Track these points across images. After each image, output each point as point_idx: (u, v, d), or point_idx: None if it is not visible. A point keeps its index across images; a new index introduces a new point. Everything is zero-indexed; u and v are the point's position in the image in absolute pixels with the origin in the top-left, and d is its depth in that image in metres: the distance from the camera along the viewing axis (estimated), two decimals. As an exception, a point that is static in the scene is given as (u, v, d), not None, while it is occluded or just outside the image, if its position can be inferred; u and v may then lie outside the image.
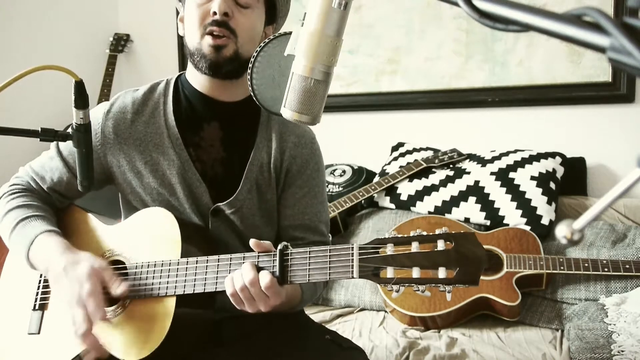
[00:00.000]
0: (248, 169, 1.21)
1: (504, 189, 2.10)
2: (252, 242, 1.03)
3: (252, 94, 0.78)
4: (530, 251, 1.87)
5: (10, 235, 1.18)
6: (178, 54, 2.96)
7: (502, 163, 2.18)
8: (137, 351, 1.05)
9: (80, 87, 0.98)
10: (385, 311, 1.95)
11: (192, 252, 1.11)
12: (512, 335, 1.73)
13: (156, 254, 1.11)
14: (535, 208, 2.03)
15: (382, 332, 1.79)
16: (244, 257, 1.04)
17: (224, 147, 1.23)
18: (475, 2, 0.46)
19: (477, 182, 2.15)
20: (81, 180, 1.05)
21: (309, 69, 0.69)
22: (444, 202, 2.16)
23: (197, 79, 1.22)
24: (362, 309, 2.01)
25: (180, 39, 2.86)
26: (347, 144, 2.62)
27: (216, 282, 1.04)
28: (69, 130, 1.02)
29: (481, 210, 2.09)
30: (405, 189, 2.25)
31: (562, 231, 0.43)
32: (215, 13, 1.12)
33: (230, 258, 1.05)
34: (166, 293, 1.07)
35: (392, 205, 2.26)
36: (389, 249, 0.93)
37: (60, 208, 1.29)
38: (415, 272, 0.90)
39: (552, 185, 2.10)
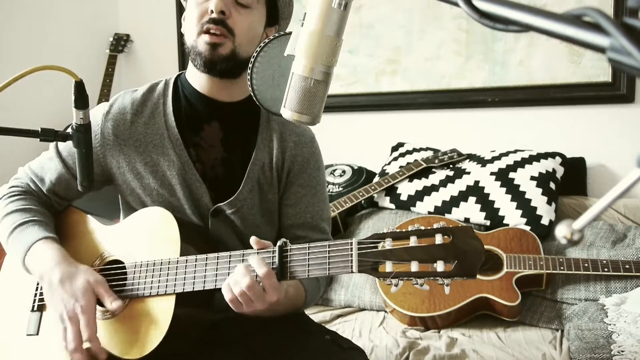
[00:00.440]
0: (250, 169, 1.21)
1: (504, 189, 2.10)
2: (252, 239, 1.03)
3: (252, 94, 0.78)
4: (530, 251, 1.87)
5: (8, 240, 1.18)
6: (178, 54, 2.96)
7: (502, 163, 2.18)
8: (136, 350, 1.05)
9: (80, 87, 0.98)
10: (385, 311, 1.95)
11: (191, 251, 1.11)
12: (512, 335, 1.73)
13: (155, 254, 1.11)
14: (535, 208, 2.03)
15: (382, 332, 1.79)
16: (243, 254, 1.04)
17: (225, 147, 1.23)
18: (475, 3, 0.46)
19: (477, 182, 2.15)
20: (81, 181, 1.05)
21: (309, 69, 0.69)
22: (443, 202, 2.16)
23: (197, 79, 1.22)
24: (362, 309, 2.01)
25: (180, 39, 2.87)
26: (347, 144, 2.62)
27: (215, 280, 1.05)
28: (69, 130, 1.02)
29: (481, 210, 2.09)
30: (405, 189, 2.25)
31: (561, 231, 0.43)
32: (212, 11, 1.12)
33: (230, 255, 1.05)
34: (165, 291, 1.07)
35: (392, 206, 2.26)
36: (388, 244, 0.93)
37: (59, 211, 1.29)
38: (414, 266, 0.91)
39: (552, 185, 2.10)
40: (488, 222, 2.08)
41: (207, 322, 1.15)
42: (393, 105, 2.62)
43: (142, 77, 2.97)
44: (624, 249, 1.87)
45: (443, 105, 2.55)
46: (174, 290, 1.07)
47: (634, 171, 0.40)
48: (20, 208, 1.20)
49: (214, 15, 1.12)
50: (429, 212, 2.18)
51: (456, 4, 0.47)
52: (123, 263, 1.15)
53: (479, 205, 2.10)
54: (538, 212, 2.03)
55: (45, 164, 1.26)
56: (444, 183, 2.20)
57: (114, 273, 1.14)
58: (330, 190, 2.39)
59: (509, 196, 2.08)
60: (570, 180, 2.22)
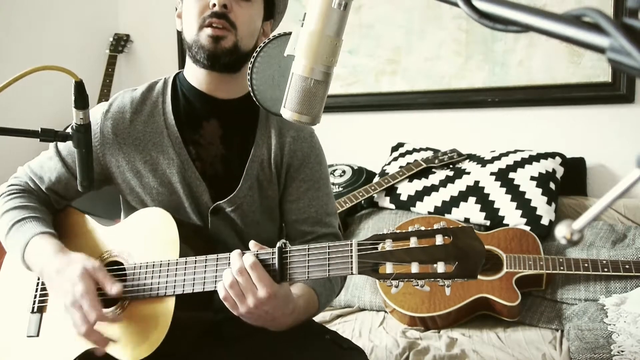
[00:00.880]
0: (249, 166, 1.21)
1: (504, 189, 2.10)
2: (251, 243, 1.03)
3: (252, 94, 0.78)
4: (530, 251, 1.87)
5: (7, 237, 1.18)
6: (178, 54, 2.96)
7: (502, 163, 2.18)
8: (137, 352, 1.05)
9: (80, 88, 0.98)
10: (385, 311, 1.95)
11: (191, 251, 1.10)
12: (512, 335, 1.73)
13: (154, 255, 1.11)
14: (535, 208, 2.03)
15: (382, 333, 1.79)
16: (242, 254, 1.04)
17: (224, 144, 1.23)
18: (474, 3, 0.46)
19: (477, 183, 2.15)
20: (81, 181, 1.05)
21: (308, 69, 0.69)
22: (443, 202, 2.16)
23: (195, 75, 1.22)
24: (362, 309, 2.01)
25: (180, 40, 2.86)
26: (347, 144, 2.62)
27: (215, 281, 1.04)
28: (69, 130, 1.02)
29: (481, 210, 2.09)
30: (405, 189, 2.25)
31: (561, 231, 0.43)
32: (214, 5, 1.12)
33: (229, 256, 1.05)
34: (165, 293, 1.07)
35: (392, 206, 2.26)
36: (388, 245, 0.93)
37: (58, 209, 1.29)
38: (414, 267, 0.90)
39: (552, 185, 2.10)
40: (488, 222, 2.08)
41: (207, 322, 1.15)
42: (393, 106, 2.62)
43: (142, 77, 2.96)
44: (623, 249, 1.87)
45: (443, 106, 2.55)
46: (174, 292, 1.06)
47: (633, 171, 0.40)
48: (18, 205, 1.20)
49: (217, 9, 1.13)
50: (429, 212, 2.18)
51: (456, 4, 0.47)
52: (122, 264, 1.15)
53: (478, 206, 2.10)
54: (538, 212, 2.03)
55: (45, 163, 1.26)
56: (444, 183, 2.20)
57: (113, 274, 1.14)
58: (330, 190, 2.38)
59: (509, 196, 2.08)
60: (570, 181, 2.22)
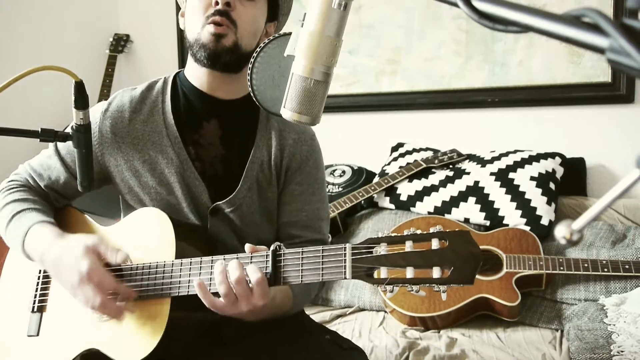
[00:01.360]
0: (248, 167, 1.21)
1: (504, 190, 2.10)
2: (247, 246, 1.02)
3: (252, 94, 0.77)
4: (530, 251, 1.87)
5: (7, 229, 1.18)
6: (178, 55, 2.96)
7: (502, 163, 2.18)
8: (133, 354, 1.04)
9: (80, 88, 0.98)
10: (385, 311, 1.95)
11: (188, 252, 1.10)
12: (512, 335, 1.73)
13: (151, 255, 1.10)
14: (535, 208, 2.04)
15: (382, 333, 1.79)
16: (237, 257, 1.03)
17: (224, 145, 1.23)
18: (474, 3, 0.46)
19: (476, 183, 2.15)
20: (81, 181, 1.05)
21: (308, 69, 0.69)
22: (443, 202, 2.16)
23: (196, 75, 1.22)
24: (362, 309, 2.01)
25: (181, 40, 2.87)
26: (347, 144, 2.62)
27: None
28: (69, 130, 1.02)
29: (481, 210, 2.09)
30: (405, 190, 2.25)
31: (561, 231, 0.43)
32: (217, 3, 1.13)
33: (224, 258, 1.03)
34: (161, 294, 1.06)
35: (392, 206, 2.26)
36: (383, 249, 0.92)
37: (57, 207, 1.29)
38: (409, 272, 0.89)
39: (552, 185, 2.10)
40: (488, 223, 2.08)
41: (205, 324, 1.14)
42: (393, 106, 2.62)
43: (142, 77, 2.95)
44: (623, 249, 1.87)
45: (443, 106, 2.55)
46: (170, 293, 1.06)
47: (633, 171, 0.40)
48: (19, 198, 1.20)
49: (219, 6, 1.13)
50: (429, 213, 2.18)
51: (456, 5, 0.47)
52: (120, 265, 1.14)
53: (478, 206, 2.10)
54: (538, 213, 2.03)
55: (45, 162, 1.26)
56: (443, 183, 2.20)
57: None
58: (330, 191, 2.38)
59: (509, 196, 2.08)
60: (570, 181, 2.22)
